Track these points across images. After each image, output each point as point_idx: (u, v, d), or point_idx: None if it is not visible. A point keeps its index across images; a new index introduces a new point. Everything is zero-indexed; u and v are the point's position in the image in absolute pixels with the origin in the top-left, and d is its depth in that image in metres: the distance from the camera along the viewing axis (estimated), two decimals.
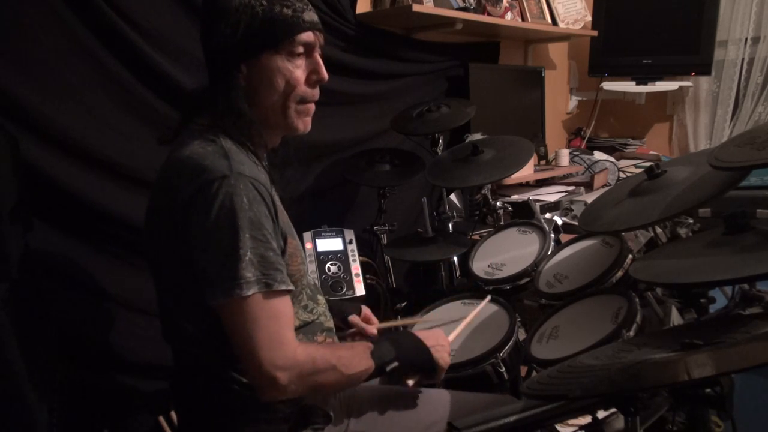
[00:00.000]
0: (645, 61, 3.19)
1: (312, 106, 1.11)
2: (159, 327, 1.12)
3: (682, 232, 1.44)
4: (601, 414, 1.09)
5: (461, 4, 2.46)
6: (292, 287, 0.99)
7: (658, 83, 3.20)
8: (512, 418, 1.01)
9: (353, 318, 1.36)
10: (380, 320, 1.41)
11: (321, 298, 1.19)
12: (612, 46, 3.22)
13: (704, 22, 3.05)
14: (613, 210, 1.33)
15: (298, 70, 1.06)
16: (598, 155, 3.15)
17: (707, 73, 3.14)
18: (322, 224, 1.96)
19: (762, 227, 1.04)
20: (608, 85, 3.30)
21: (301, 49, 1.05)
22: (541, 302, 1.51)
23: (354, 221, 2.25)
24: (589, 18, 3.15)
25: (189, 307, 1.02)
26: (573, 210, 2.35)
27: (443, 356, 1.13)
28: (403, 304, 2.04)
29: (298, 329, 1.06)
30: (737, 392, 1.47)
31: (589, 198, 2.54)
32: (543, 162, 3.04)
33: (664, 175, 1.30)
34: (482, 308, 1.46)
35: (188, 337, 1.04)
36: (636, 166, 3.06)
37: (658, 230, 1.46)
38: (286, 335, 0.97)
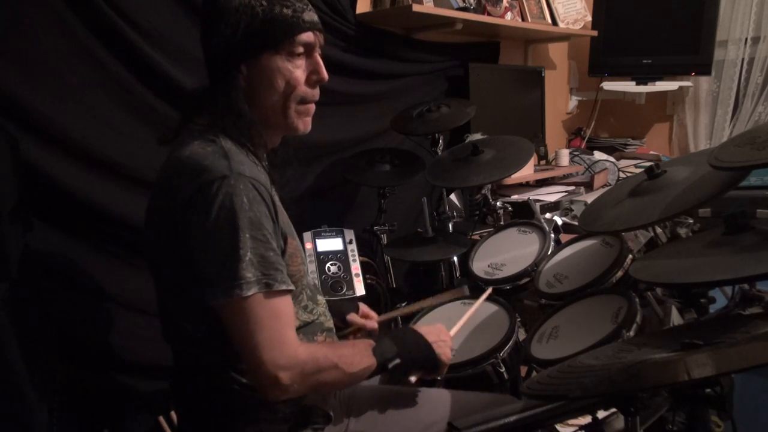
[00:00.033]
0: (645, 61, 3.19)
1: (312, 106, 1.11)
2: (159, 327, 1.12)
3: (682, 232, 1.44)
4: (601, 414, 1.08)
5: (461, 4, 2.46)
6: (292, 287, 0.99)
7: (658, 83, 3.20)
8: (512, 418, 1.01)
9: (351, 316, 1.36)
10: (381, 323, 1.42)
11: (321, 299, 1.19)
12: (612, 46, 3.22)
13: (704, 22, 3.05)
14: (613, 210, 1.33)
15: (298, 71, 1.06)
16: (598, 155, 3.15)
17: (707, 73, 3.14)
18: (322, 224, 1.96)
19: (762, 227, 1.04)
20: (608, 85, 3.30)
21: (301, 49, 1.05)
22: (541, 302, 1.51)
23: (354, 221, 2.25)
24: (589, 18, 3.15)
25: (189, 307, 1.02)
26: (573, 210, 2.35)
27: (445, 351, 1.13)
28: (403, 304, 2.04)
29: (297, 330, 1.06)
30: (737, 392, 1.47)
31: (589, 198, 2.54)
32: (543, 162, 3.04)
33: (664, 175, 1.30)
34: (483, 305, 1.46)
35: (188, 337, 1.04)
36: (636, 166, 3.06)
37: (658, 230, 1.46)
38: (288, 335, 0.97)
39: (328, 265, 1.86)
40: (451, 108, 2.15)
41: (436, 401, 1.19)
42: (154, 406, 1.56)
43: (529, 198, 2.37)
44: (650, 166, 1.33)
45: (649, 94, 3.39)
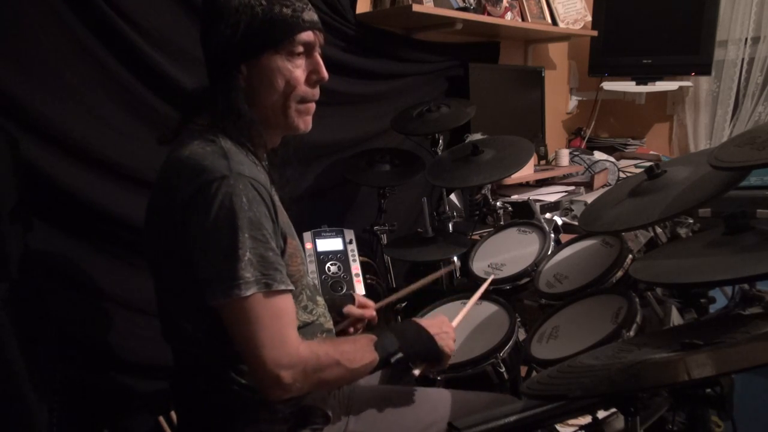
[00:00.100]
0: (645, 61, 3.19)
1: (312, 106, 1.11)
2: (159, 327, 1.12)
3: (682, 232, 1.44)
4: (601, 414, 1.09)
5: (461, 4, 2.46)
6: (292, 287, 0.98)
7: (658, 83, 3.20)
8: (512, 418, 1.01)
9: (348, 308, 1.36)
10: (380, 321, 1.41)
11: (320, 299, 1.19)
12: (612, 46, 3.22)
13: (704, 22, 3.05)
14: (613, 210, 1.33)
15: (298, 70, 1.06)
16: (598, 155, 3.15)
17: (707, 73, 3.14)
18: (322, 224, 1.96)
19: (762, 227, 1.04)
20: (608, 85, 3.30)
21: (300, 49, 1.05)
22: (541, 302, 1.51)
23: (354, 221, 2.25)
24: (589, 18, 3.15)
25: (189, 307, 1.02)
26: (573, 210, 2.35)
27: (448, 343, 1.13)
28: (403, 304, 2.04)
29: (297, 330, 1.06)
30: (737, 392, 1.47)
31: (589, 198, 2.54)
32: (543, 162, 3.04)
33: (664, 175, 1.30)
34: (483, 305, 1.46)
35: (188, 337, 1.04)
36: (636, 166, 3.06)
37: (658, 230, 1.46)
38: (289, 334, 0.97)
39: (328, 265, 1.86)
40: (451, 108, 2.15)
41: (436, 401, 1.19)
42: (154, 406, 1.56)
43: (529, 198, 2.37)
44: (650, 166, 1.33)
45: (649, 94, 3.39)
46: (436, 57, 2.54)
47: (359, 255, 1.92)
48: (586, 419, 1.10)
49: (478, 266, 1.73)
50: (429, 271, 1.62)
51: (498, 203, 2.14)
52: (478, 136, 2.26)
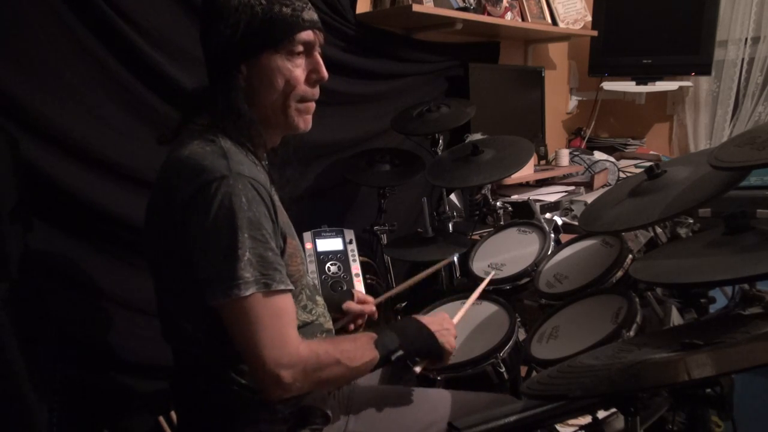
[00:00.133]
0: (645, 61, 3.19)
1: (312, 105, 1.11)
2: (159, 327, 1.12)
3: (682, 232, 1.44)
4: (601, 414, 1.09)
5: (461, 4, 2.46)
6: (291, 287, 0.98)
7: (658, 83, 3.20)
8: (512, 418, 1.01)
9: (348, 304, 1.36)
10: (380, 320, 1.41)
11: (320, 299, 1.19)
12: (612, 46, 3.22)
13: (704, 22, 3.05)
14: (613, 210, 1.33)
15: (298, 69, 1.06)
16: (598, 155, 3.15)
17: (707, 73, 3.14)
18: (322, 224, 1.96)
19: (762, 227, 1.04)
20: (608, 85, 3.30)
21: (300, 48, 1.05)
22: (541, 302, 1.51)
23: (354, 221, 2.25)
24: (589, 18, 3.15)
25: (189, 307, 1.02)
26: (573, 210, 2.35)
27: (449, 340, 1.13)
28: (403, 304, 2.04)
29: (297, 330, 1.06)
30: (737, 392, 1.47)
31: (589, 198, 2.54)
32: (543, 162, 3.04)
33: (664, 175, 1.30)
34: (483, 305, 1.46)
35: (188, 337, 1.04)
36: (636, 166, 3.06)
37: (658, 230, 1.46)
38: (289, 333, 0.97)
39: (328, 265, 1.86)
40: (451, 108, 2.15)
41: (436, 401, 1.19)
42: (154, 406, 1.56)
43: (529, 198, 2.37)
44: (650, 166, 1.33)
45: (649, 94, 3.39)
46: (436, 57, 2.54)
47: (359, 255, 1.92)
48: (586, 419, 1.10)
49: (478, 266, 1.73)
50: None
51: (498, 203, 2.14)
52: (478, 136, 2.26)
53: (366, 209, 2.32)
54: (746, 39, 3.10)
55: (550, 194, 2.64)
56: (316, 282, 1.80)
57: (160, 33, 1.65)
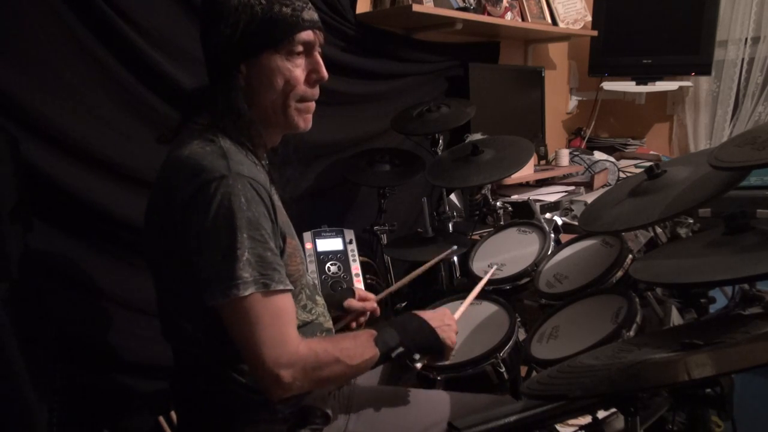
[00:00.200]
0: (645, 61, 3.19)
1: (312, 104, 1.11)
2: (159, 327, 1.12)
3: (682, 232, 1.44)
4: (601, 414, 1.08)
5: (461, 4, 2.46)
6: (290, 287, 0.98)
7: (658, 83, 3.20)
8: (512, 418, 1.01)
9: (349, 302, 1.36)
10: (381, 319, 1.41)
11: (320, 299, 1.19)
12: (612, 46, 3.22)
13: (704, 22, 3.05)
14: (613, 210, 1.33)
15: (298, 70, 1.06)
16: (598, 155, 3.15)
17: (707, 73, 3.14)
18: (322, 224, 1.96)
19: (762, 227, 1.04)
20: (608, 85, 3.30)
21: (300, 48, 1.05)
22: (541, 302, 1.51)
23: (354, 221, 2.25)
24: (589, 18, 3.15)
25: (189, 307, 1.02)
26: (573, 210, 2.35)
27: (450, 336, 1.13)
28: (403, 304, 2.04)
29: (297, 329, 1.06)
30: (737, 392, 1.47)
31: (589, 198, 2.54)
32: (543, 162, 3.04)
33: (664, 175, 1.30)
34: (483, 305, 1.46)
35: (188, 336, 1.04)
36: (636, 166, 3.06)
37: (658, 230, 1.46)
38: (289, 333, 0.97)
39: (328, 265, 1.86)
40: (451, 108, 2.15)
41: (436, 402, 1.18)
42: (154, 406, 1.55)
43: (529, 198, 2.37)
44: (650, 166, 1.32)
45: (649, 94, 3.39)
46: (436, 57, 2.54)
47: (359, 255, 1.92)
48: (586, 419, 1.10)
49: (478, 266, 1.73)
50: (429, 271, 1.62)
51: (498, 203, 2.14)
52: (478, 136, 2.26)
53: (366, 209, 2.32)
54: (746, 39, 3.10)
55: (550, 194, 2.64)
56: (316, 282, 1.80)
57: (160, 33, 1.65)
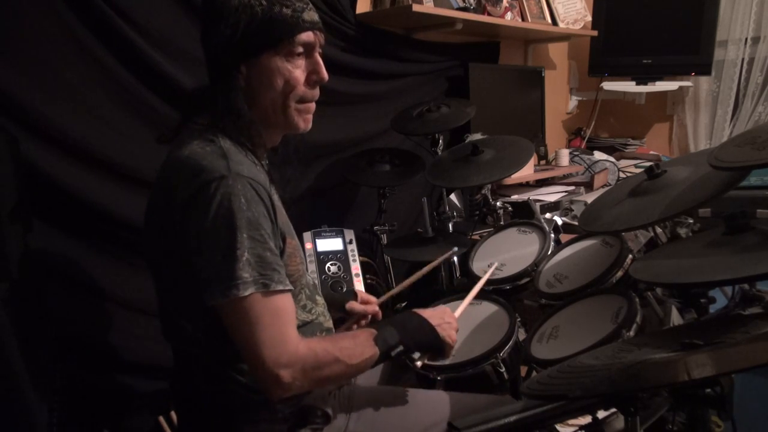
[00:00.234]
0: (645, 61, 3.19)
1: (312, 105, 1.11)
2: (159, 327, 1.12)
3: (682, 232, 1.44)
4: (601, 414, 1.08)
5: (461, 4, 2.46)
6: (290, 287, 0.98)
7: (658, 83, 3.20)
8: (512, 418, 1.01)
9: (351, 304, 1.36)
10: (382, 320, 1.41)
11: (320, 299, 1.19)
12: (612, 46, 3.22)
13: (704, 22, 3.05)
14: (613, 210, 1.33)
15: (298, 70, 1.06)
16: (598, 155, 3.15)
17: (707, 73, 3.14)
18: (322, 224, 1.96)
19: (762, 227, 1.04)
20: (608, 85, 3.30)
21: (300, 49, 1.05)
22: (541, 302, 1.51)
23: (354, 221, 2.25)
24: (589, 18, 3.15)
25: (189, 307, 1.02)
26: (573, 210, 2.35)
27: (450, 333, 1.13)
28: (403, 304, 2.04)
29: (297, 329, 1.06)
30: (737, 392, 1.47)
31: (589, 198, 2.54)
32: (543, 162, 3.04)
33: (664, 175, 1.30)
34: (483, 305, 1.46)
35: (188, 336, 1.04)
36: (636, 166, 3.06)
37: (658, 230, 1.46)
38: (288, 332, 0.97)
39: (328, 265, 1.86)
40: (451, 108, 2.15)
41: (436, 402, 1.18)
42: (154, 406, 1.56)
43: (529, 198, 2.37)
44: (650, 166, 1.33)
45: (649, 94, 3.39)
46: (436, 57, 2.54)
47: (359, 255, 1.92)
48: (586, 419, 1.10)
49: (478, 266, 1.73)
50: (429, 272, 1.62)
51: (498, 203, 2.14)
52: (478, 136, 2.26)
53: (366, 209, 2.32)
54: (746, 39, 3.10)
55: (550, 194, 2.64)
56: (316, 282, 1.80)
57: (160, 33, 1.65)
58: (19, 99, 1.40)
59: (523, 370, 1.44)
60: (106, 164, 1.56)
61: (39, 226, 1.42)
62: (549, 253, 1.64)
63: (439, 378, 1.28)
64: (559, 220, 2.04)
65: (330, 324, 1.19)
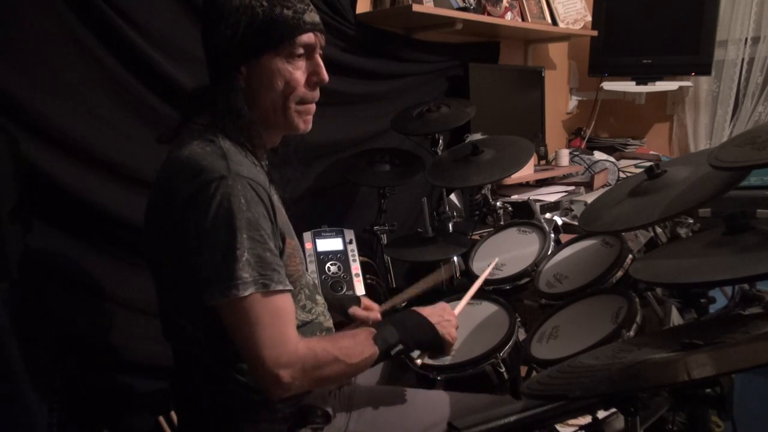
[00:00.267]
0: (645, 61, 3.19)
1: (312, 106, 1.11)
2: (159, 327, 1.12)
3: (682, 232, 1.44)
4: (601, 414, 1.08)
5: (461, 4, 2.46)
6: (290, 287, 0.98)
7: (658, 83, 3.20)
8: (512, 418, 1.01)
9: (354, 310, 1.36)
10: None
11: (320, 299, 1.19)
12: (612, 46, 3.22)
13: (704, 22, 3.05)
14: (613, 210, 1.33)
15: (298, 72, 1.06)
16: (598, 155, 3.15)
17: (707, 73, 3.14)
18: (322, 224, 1.96)
19: (762, 227, 1.04)
20: (608, 85, 3.30)
21: (301, 51, 1.05)
22: (541, 302, 1.51)
23: (354, 221, 2.25)
24: (589, 18, 3.15)
25: (189, 306, 1.02)
26: (573, 210, 2.35)
27: (450, 331, 1.13)
28: (403, 304, 2.04)
29: (296, 329, 1.06)
30: (737, 392, 1.47)
31: (589, 198, 2.54)
32: (543, 162, 3.04)
33: (664, 175, 1.30)
34: (483, 305, 1.46)
35: (188, 336, 1.05)
36: (636, 166, 3.06)
37: (658, 230, 1.46)
38: (288, 332, 0.97)
39: (328, 265, 1.86)
40: (451, 108, 2.15)
41: (436, 402, 1.19)
42: (154, 406, 1.56)
43: (529, 198, 2.37)
44: (650, 166, 1.32)
45: (649, 94, 3.40)
46: (436, 57, 2.54)
47: (359, 255, 1.92)
48: (586, 419, 1.10)
49: (478, 266, 1.73)
50: (429, 272, 1.62)
51: (498, 203, 2.14)
52: (478, 136, 2.26)
53: (366, 209, 2.32)
54: (746, 39, 3.10)
55: (550, 194, 2.64)
56: (316, 282, 1.80)
57: (160, 33, 1.65)
58: (19, 99, 1.40)
59: (523, 370, 1.44)
60: (106, 164, 1.56)
61: (39, 226, 1.42)
62: (549, 253, 1.64)
63: (439, 378, 1.28)
64: (559, 220, 2.04)
65: (330, 324, 1.19)
